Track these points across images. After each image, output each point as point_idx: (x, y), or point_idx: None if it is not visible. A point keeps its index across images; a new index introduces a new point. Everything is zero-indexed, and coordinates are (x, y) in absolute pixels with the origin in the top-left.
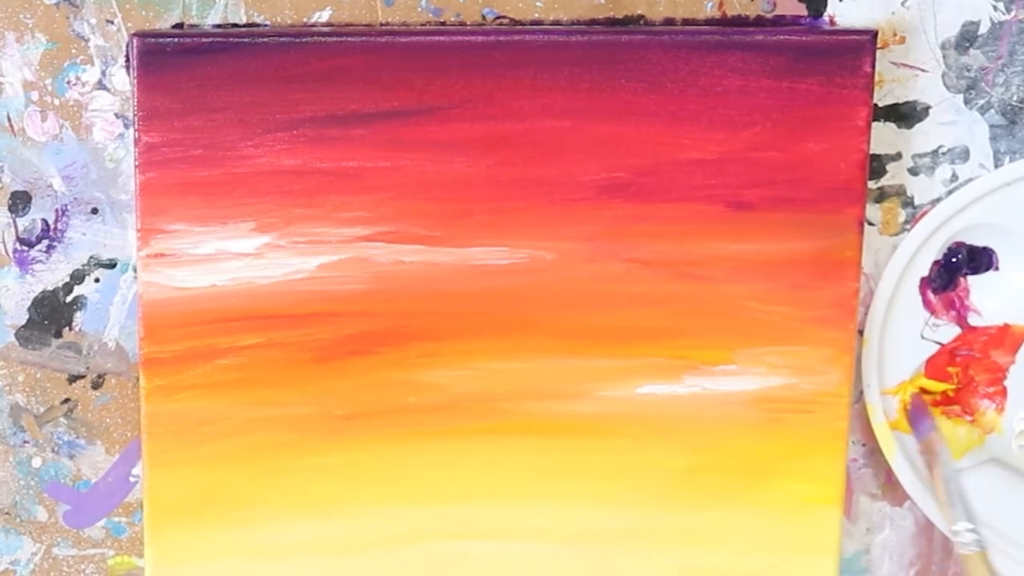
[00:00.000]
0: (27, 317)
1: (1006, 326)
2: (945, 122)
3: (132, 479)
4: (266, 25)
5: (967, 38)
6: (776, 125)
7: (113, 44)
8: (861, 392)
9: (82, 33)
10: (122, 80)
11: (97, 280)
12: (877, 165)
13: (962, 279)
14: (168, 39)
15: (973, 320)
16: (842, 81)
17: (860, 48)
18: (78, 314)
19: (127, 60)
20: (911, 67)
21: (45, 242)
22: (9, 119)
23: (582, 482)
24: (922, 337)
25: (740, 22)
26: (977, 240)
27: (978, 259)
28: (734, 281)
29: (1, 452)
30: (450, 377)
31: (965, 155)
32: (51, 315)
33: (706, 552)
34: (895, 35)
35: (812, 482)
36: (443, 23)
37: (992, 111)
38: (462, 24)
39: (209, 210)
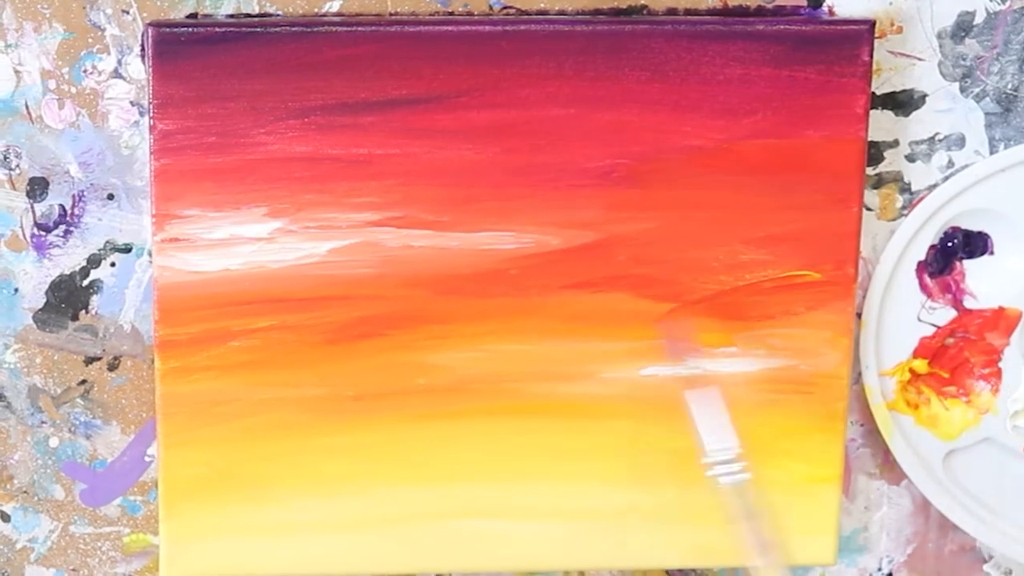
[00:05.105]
0: (44, 300)
1: (1001, 309)
2: (941, 110)
3: (147, 458)
4: (278, 15)
5: (963, 28)
6: (776, 113)
7: (129, 34)
8: (859, 373)
9: (98, 23)
10: (137, 69)
11: (113, 264)
12: (875, 152)
13: (958, 263)
14: (182, 29)
15: (968, 303)
16: (841, 70)
17: (858, 37)
18: (94, 297)
19: (142, 49)
20: (908, 56)
21: (62, 227)
22: (27, 107)
23: (587, 462)
24: (919, 320)
25: (741, 12)
26: (973, 225)
27: (973, 244)
28: (735, 265)
29: (19, 432)
30: (458, 359)
31: (961, 142)
32: (68, 298)
33: (708, 530)
34: (892, 25)
35: (811, 462)
36: (451, 13)
37: (987, 99)
38: (469, 14)
39: (223, 196)
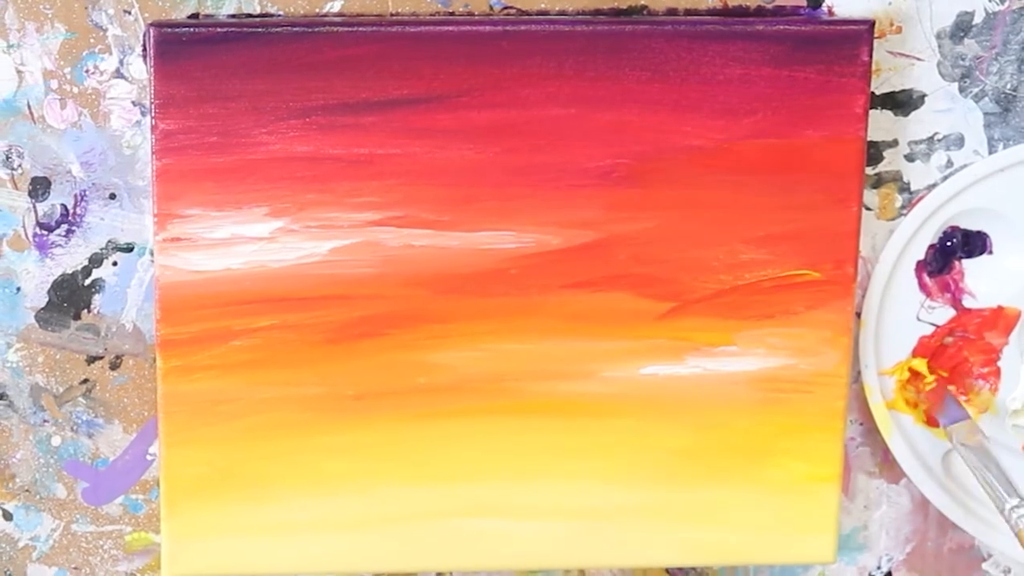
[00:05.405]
0: (47, 299)
1: (999, 308)
2: (940, 110)
3: (149, 457)
4: (279, 15)
5: (962, 28)
6: (776, 113)
7: (130, 34)
8: (859, 372)
9: (100, 23)
10: (139, 69)
11: (115, 263)
12: (874, 152)
13: (957, 262)
14: (184, 29)
15: (967, 302)
16: (840, 70)
17: (858, 38)
18: (96, 297)
19: (144, 49)
20: (907, 56)
21: (64, 226)
22: (29, 107)
23: (587, 461)
24: (918, 319)
25: (741, 12)
26: (971, 224)
27: (972, 243)
28: (735, 265)
29: (22, 431)
30: (459, 358)
31: (960, 142)
32: (70, 298)
33: (708, 528)
34: (892, 25)
35: (811, 460)
36: (451, 13)
37: (986, 99)
38: (470, 14)
39: (224, 195)
